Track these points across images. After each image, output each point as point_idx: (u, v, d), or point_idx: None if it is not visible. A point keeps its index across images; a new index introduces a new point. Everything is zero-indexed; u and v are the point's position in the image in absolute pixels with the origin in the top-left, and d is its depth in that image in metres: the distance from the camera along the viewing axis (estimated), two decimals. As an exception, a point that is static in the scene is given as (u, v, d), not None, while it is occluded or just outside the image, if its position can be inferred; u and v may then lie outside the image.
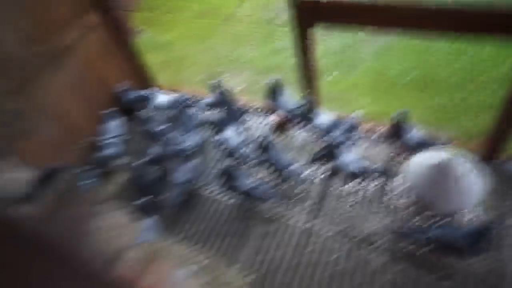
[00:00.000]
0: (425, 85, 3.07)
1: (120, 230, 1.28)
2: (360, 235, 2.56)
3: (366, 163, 2.73)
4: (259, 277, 2.51)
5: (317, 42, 2.81)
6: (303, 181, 2.93)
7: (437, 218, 2.48)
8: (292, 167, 2.81)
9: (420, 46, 2.44)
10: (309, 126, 3.00)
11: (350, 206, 2.77)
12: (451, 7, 2.02)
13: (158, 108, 3.70)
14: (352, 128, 2.81)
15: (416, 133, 2.68)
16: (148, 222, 2.60)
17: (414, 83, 2.93)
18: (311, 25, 2.57)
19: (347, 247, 2.53)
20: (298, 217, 2.79)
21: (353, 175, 2.75)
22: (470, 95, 2.69)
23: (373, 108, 3.12)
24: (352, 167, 2.68)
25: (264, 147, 2.84)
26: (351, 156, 2.73)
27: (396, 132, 2.68)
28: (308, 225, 2.73)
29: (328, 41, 2.80)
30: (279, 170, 2.83)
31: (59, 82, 3.15)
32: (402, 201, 2.67)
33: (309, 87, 3.11)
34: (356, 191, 2.84)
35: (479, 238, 2.06)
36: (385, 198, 2.75)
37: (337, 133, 2.87)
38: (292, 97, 3.25)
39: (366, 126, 3.21)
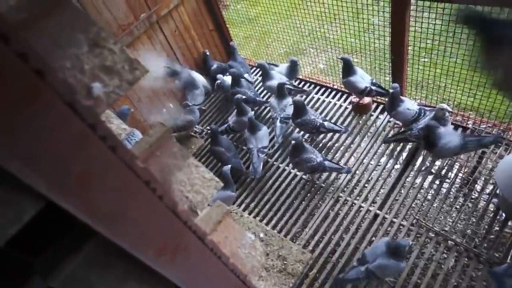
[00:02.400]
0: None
1: (201, 185, 1.36)
2: (436, 231, 2.39)
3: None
4: (316, 256, 2.51)
5: (413, 22, 2.60)
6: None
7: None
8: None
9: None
10: (392, 112, 2.83)
11: (427, 199, 2.60)
12: None
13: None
14: (438, 118, 2.55)
15: None
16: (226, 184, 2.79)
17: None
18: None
19: (419, 239, 2.38)
20: (365, 202, 2.70)
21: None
22: None
23: (469, 98, 2.81)
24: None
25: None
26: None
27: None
28: (375, 210, 2.63)
29: (424, 22, 2.56)
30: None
31: (153, 47, 3.41)
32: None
33: (398, 71, 2.91)
34: (433, 186, 2.64)
35: None
36: (468, 198, 2.52)
37: (420, 123, 2.66)
38: (365, 76, 3.08)
39: (455, 117, 2.94)
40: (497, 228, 2.31)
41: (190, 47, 3.80)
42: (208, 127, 3.62)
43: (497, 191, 2.40)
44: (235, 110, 3.29)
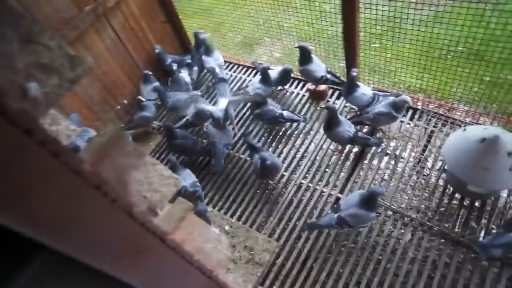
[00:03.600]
0: (475, 58, 2.87)
1: (160, 183, 1.32)
2: (394, 208, 2.51)
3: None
4: (282, 244, 2.55)
5: (362, 8, 2.67)
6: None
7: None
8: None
9: (471, 17, 2.25)
10: (349, 97, 2.91)
11: (384, 179, 2.72)
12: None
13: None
14: (398, 107, 2.66)
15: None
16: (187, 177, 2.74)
17: (463, 55, 2.75)
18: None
19: (379, 218, 2.50)
20: (326, 186, 2.77)
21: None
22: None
23: (417, 81, 2.96)
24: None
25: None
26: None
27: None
28: (337, 194, 2.72)
29: (373, 9, 2.63)
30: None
31: (102, 41, 3.23)
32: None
33: (351, 56, 2.99)
34: (389, 167, 2.76)
35: None
36: (420, 175, 2.67)
37: (376, 107, 2.76)
38: (321, 64, 3.14)
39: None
40: (447, 201, 2.48)
41: (142, 41, 3.64)
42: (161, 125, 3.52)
43: (445, 167, 2.56)
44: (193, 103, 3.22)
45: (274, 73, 3.30)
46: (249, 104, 3.42)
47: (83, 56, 0.85)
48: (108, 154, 1.30)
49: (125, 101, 3.62)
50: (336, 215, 2.30)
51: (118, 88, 3.54)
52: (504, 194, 2.42)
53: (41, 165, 0.60)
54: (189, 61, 3.78)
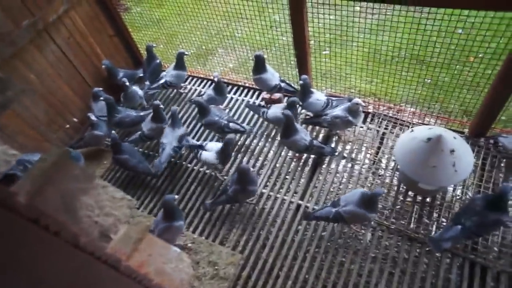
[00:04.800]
0: (417, 62, 3.06)
1: (112, 206, 1.25)
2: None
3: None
4: (246, 256, 2.53)
5: (311, 18, 2.76)
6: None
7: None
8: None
9: (412, 23, 2.41)
10: (304, 103, 2.97)
11: (342, 182, 2.80)
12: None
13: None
14: (352, 111, 2.75)
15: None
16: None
17: (406, 60, 2.92)
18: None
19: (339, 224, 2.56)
20: (287, 194, 2.80)
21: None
22: (460, 74, 2.72)
23: (367, 85, 3.11)
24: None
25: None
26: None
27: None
28: (298, 200, 2.75)
29: (321, 18, 2.73)
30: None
31: (44, 58, 3.05)
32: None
33: (303, 64, 3.07)
34: (346, 170, 2.85)
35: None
36: (376, 176, 2.78)
37: (335, 110, 2.84)
38: (275, 73, 3.21)
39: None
40: (401, 200, 2.59)
41: (90, 56, 3.49)
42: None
43: (398, 167, 2.69)
44: (151, 116, 3.13)
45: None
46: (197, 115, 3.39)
47: (13, 78, 0.78)
48: (52, 180, 1.21)
49: (75, 119, 3.44)
50: (334, 210, 2.32)
51: (67, 106, 3.35)
52: (450, 189, 2.58)
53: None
54: (141, 75, 3.68)
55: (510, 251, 2.20)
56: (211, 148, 2.84)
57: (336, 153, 2.89)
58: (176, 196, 2.43)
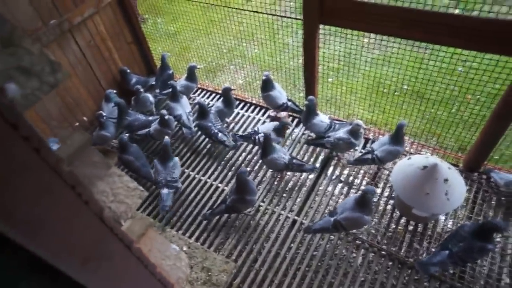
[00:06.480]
0: (417, 96, 3.20)
1: (125, 194, 1.34)
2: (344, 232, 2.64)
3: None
4: (239, 265, 2.57)
5: (322, 44, 2.91)
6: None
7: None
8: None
9: (415, 59, 2.57)
10: (308, 124, 3.08)
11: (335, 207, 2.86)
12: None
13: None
14: (353, 132, 2.86)
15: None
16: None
17: (407, 94, 3.06)
18: (321, 23, 2.65)
19: (332, 242, 2.61)
20: (284, 210, 2.86)
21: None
22: (457, 112, 2.85)
23: (368, 114, 3.23)
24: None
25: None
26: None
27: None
28: (293, 217, 2.81)
29: (331, 46, 2.89)
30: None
31: (66, 57, 3.19)
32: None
33: (310, 88, 3.20)
34: (342, 193, 2.93)
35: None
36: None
37: (338, 132, 2.95)
38: (283, 92, 3.34)
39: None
40: (394, 226, 2.66)
41: (107, 59, 3.63)
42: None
43: (393, 194, 2.77)
44: (158, 119, 3.25)
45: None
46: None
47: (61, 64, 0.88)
48: (73, 163, 1.30)
49: (85, 118, 3.54)
50: (332, 219, 2.39)
51: (79, 106, 3.46)
52: (442, 218, 2.66)
53: (23, 160, 0.62)
54: (153, 83, 3.81)
55: (496, 283, 2.25)
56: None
57: (317, 170, 3.02)
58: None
